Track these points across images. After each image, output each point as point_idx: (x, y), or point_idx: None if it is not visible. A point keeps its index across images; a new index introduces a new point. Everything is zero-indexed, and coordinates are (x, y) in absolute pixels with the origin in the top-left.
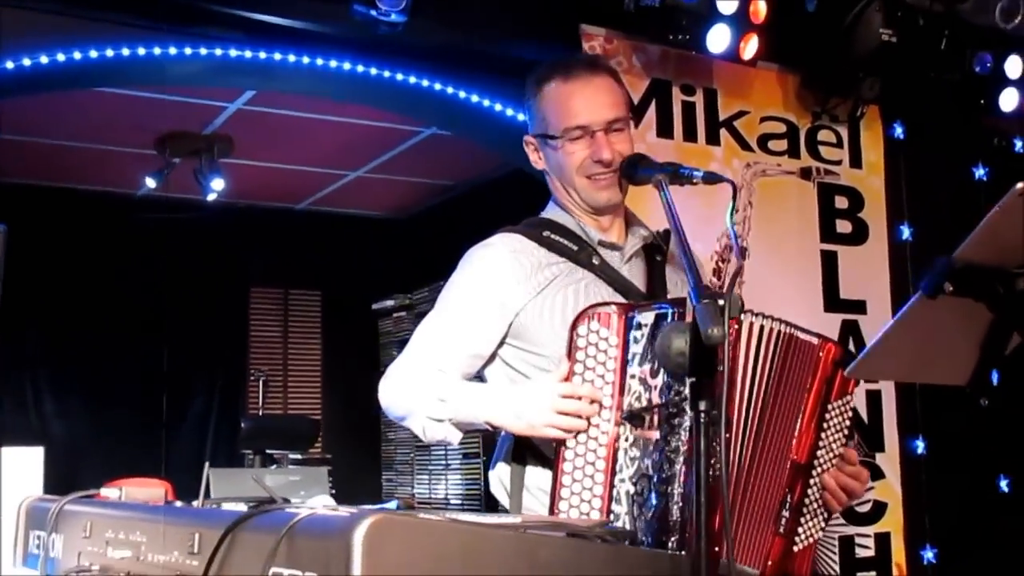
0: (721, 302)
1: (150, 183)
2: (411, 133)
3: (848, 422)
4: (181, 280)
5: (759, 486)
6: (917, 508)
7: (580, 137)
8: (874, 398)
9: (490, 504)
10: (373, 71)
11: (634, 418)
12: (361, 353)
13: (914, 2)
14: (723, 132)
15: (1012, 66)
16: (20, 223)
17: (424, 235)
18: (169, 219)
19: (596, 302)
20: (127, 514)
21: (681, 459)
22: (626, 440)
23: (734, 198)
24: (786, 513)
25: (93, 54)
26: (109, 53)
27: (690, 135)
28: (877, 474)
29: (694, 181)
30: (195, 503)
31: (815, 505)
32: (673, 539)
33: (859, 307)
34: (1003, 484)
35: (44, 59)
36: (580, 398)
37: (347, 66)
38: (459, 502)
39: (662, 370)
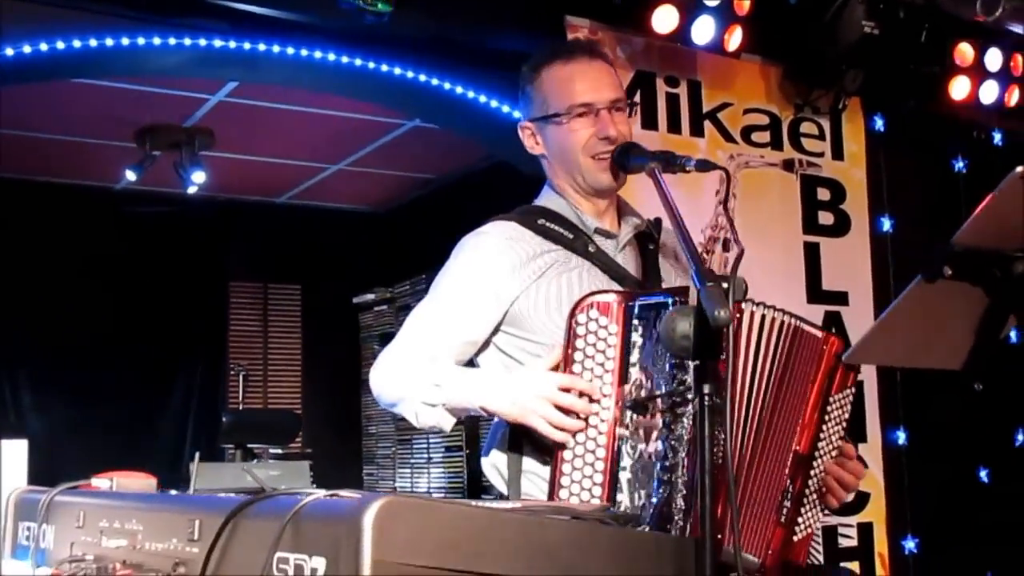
0: (725, 285)
1: (130, 176)
2: (392, 126)
3: (847, 416)
4: (160, 274)
5: (763, 475)
6: (899, 498)
7: (585, 114)
8: (856, 388)
9: (474, 495)
10: (358, 62)
11: (636, 406)
12: (342, 347)
13: None
14: (707, 124)
15: (992, 59)
16: None
17: (405, 229)
18: (149, 213)
19: (593, 290)
20: (121, 503)
21: (684, 447)
22: (627, 428)
23: (728, 186)
24: (788, 503)
25: (76, 44)
26: (93, 43)
27: (674, 127)
28: None
29: (687, 169)
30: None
31: (814, 496)
32: (676, 527)
33: (841, 298)
34: (983, 475)
35: (27, 48)
36: (580, 393)
37: (332, 57)
38: (441, 495)
39: (664, 358)
